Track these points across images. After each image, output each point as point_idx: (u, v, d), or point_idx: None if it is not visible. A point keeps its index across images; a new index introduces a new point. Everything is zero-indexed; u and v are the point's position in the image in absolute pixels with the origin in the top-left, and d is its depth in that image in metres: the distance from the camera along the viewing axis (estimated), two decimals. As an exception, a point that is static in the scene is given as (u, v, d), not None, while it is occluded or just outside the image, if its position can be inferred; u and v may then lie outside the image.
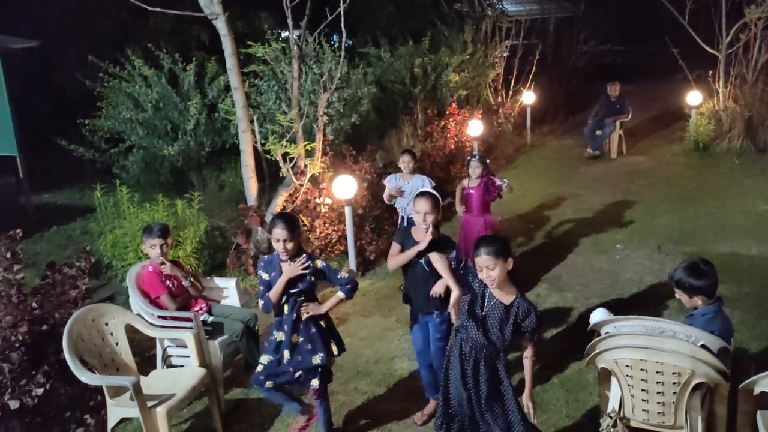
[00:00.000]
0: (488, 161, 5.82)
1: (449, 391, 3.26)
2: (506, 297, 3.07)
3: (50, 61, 10.69)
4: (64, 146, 8.96)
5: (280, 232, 3.42)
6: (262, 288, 3.58)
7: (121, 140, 9.13)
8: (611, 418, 3.15)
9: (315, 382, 3.63)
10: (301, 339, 3.59)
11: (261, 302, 3.58)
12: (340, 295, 3.56)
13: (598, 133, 10.67)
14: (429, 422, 3.95)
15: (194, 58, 9.14)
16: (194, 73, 9.04)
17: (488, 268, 2.96)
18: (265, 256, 3.67)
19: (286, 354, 3.57)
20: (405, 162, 5.83)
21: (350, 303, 5.92)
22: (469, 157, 5.91)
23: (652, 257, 6.41)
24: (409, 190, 5.70)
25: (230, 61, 6.20)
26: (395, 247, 3.77)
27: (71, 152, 9.09)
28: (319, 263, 3.54)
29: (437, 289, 3.63)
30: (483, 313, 3.09)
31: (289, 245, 3.44)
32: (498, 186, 5.71)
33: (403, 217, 5.90)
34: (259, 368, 3.62)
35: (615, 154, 10.65)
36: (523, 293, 3.10)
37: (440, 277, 3.55)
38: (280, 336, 3.58)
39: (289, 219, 3.51)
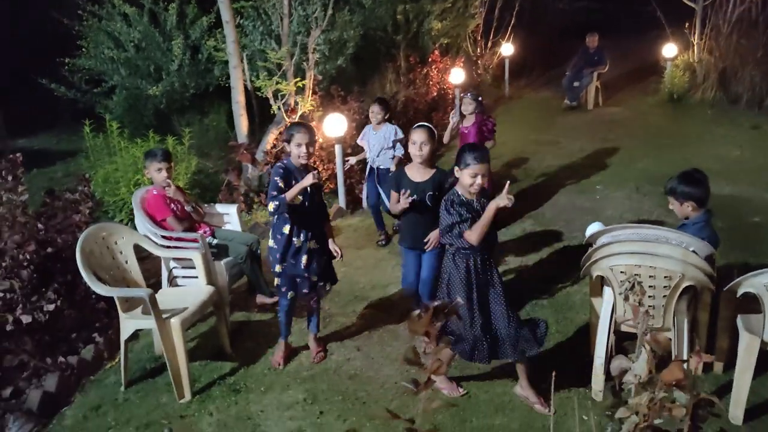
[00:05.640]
0: (481, 99, 5.88)
1: (472, 313, 3.34)
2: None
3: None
4: (44, 85, 8.77)
5: (302, 136, 3.60)
6: (274, 193, 3.57)
7: (103, 81, 8.99)
8: (630, 282, 3.24)
9: (329, 286, 3.95)
10: (318, 246, 3.77)
11: (273, 204, 3.55)
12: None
13: (576, 84, 10.83)
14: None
15: (175, -2, 8.96)
16: (176, 13, 8.88)
17: (483, 176, 3.28)
18: (284, 161, 3.71)
19: (304, 260, 3.73)
20: (374, 113, 5.81)
21: (343, 236, 6.09)
22: (462, 94, 5.93)
23: (631, 197, 6.66)
24: (378, 140, 5.74)
25: (221, -6, 6.16)
26: (393, 195, 3.99)
27: (44, 98, 8.89)
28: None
29: (433, 237, 3.88)
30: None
31: (311, 149, 3.66)
32: (491, 128, 5.79)
33: (371, 168, 5.88)
34: (277, 280, 3.80)
35: (592, 105, 10.83)
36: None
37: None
38: (298, 242, 3.71)
39: (309, 126, 3.73)
